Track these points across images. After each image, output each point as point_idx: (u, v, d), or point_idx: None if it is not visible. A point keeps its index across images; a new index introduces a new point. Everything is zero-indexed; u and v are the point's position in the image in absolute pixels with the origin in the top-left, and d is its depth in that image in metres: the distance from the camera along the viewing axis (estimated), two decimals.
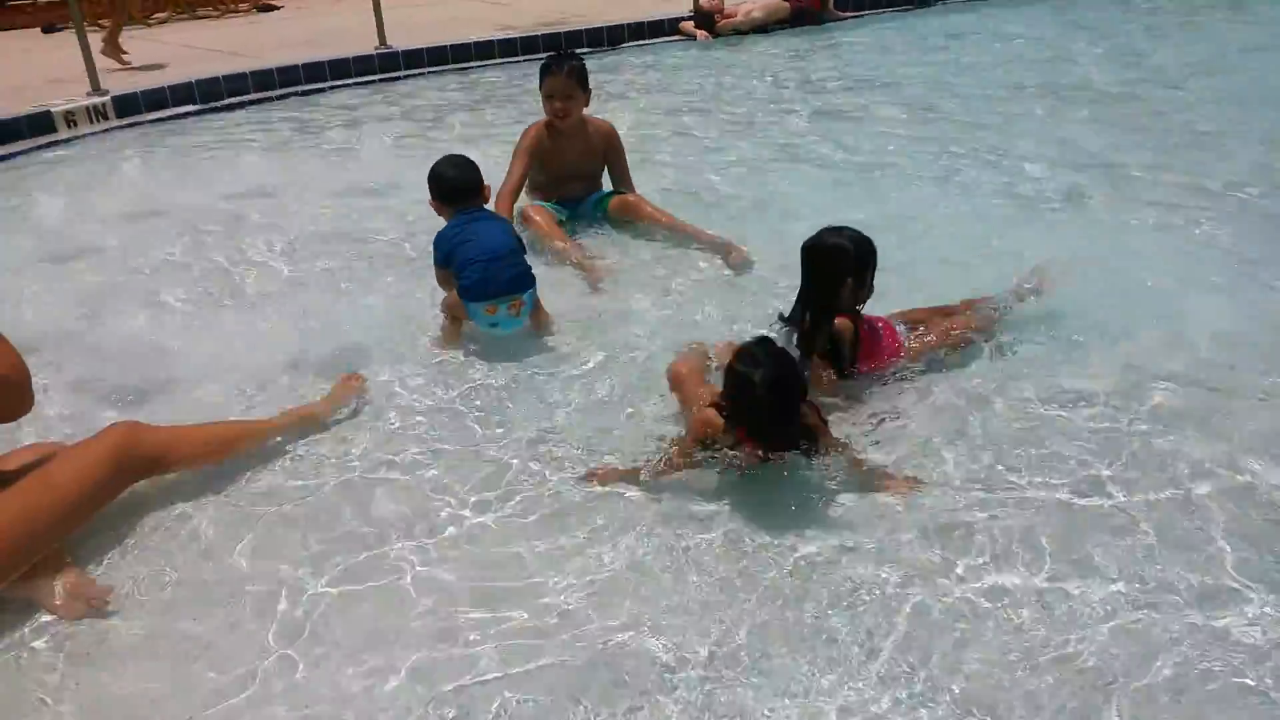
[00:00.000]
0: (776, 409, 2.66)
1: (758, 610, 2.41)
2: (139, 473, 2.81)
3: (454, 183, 3.84)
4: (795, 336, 3.27)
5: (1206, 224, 4.67)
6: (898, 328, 3.41)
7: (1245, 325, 3.66)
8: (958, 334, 3.44)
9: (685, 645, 2.31)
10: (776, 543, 2.63)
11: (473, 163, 3.91)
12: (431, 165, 3.90)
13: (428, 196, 3.89)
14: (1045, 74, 7.83)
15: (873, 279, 3.26)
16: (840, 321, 3.19)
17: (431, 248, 3.84)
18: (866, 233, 3.25)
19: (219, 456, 3.00)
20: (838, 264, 3.19)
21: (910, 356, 3.36)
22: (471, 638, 2.37)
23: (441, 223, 3.87)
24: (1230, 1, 10.50)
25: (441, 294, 3.89)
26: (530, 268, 3.81)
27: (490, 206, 4.01)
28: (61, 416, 3.36)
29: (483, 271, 3.65)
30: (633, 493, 2.85)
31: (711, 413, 2.79)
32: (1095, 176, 5.39)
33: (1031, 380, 3.33)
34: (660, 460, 2.87)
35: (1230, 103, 6.78)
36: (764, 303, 3.89)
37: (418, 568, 2.61)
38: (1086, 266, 3.95)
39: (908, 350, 3.36)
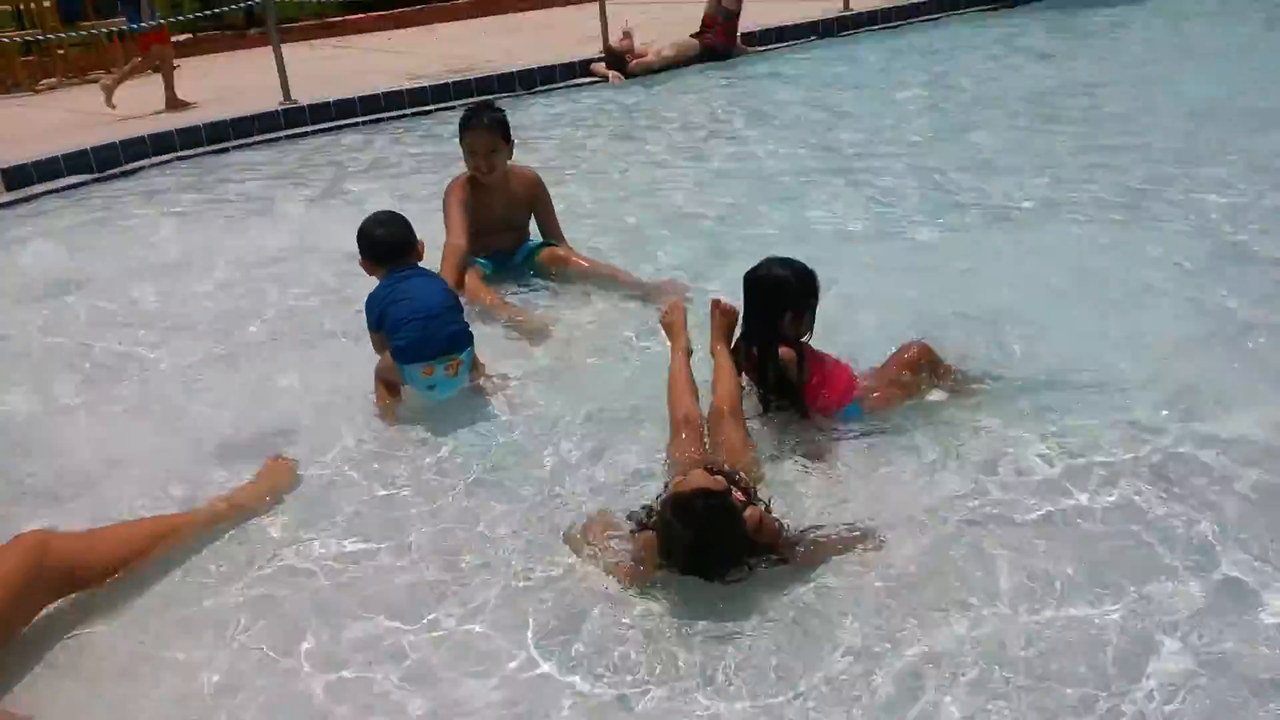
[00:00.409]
0: (704, 566, 2.48)
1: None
2: (55, 586, 2.55)
3: (384, 241, 3.67)
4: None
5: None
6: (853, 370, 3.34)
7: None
8: (909, 377, 3.32)
9: None
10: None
11: (403, 219, 3.75)
12: (360, 223, 3.73)
13: (347, 257, 3.73)
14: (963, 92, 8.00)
15: (813, 313, 3.21)
16: (784, 350, 3.14)
17: (364, 312, 3.65)
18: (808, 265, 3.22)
19: (139, 559, 2.74)
20: (779, 294, 3.16)
21: (867, 395, 3.27)
22: None
23: (372, 284, 3.69)
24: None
25: (375, 361, 3.69)
26: (468, 325, 3.66)
27: (425, 264, 3.83)
28: None
29: (419, 331, 3.48)
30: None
31: (647, 556, 2.56)
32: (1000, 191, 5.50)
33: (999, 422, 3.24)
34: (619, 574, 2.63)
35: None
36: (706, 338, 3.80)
37: (365, 672, 2.41)
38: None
39: (862, 388, 3.28)
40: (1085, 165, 5.91)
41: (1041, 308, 4.05)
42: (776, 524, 2.59)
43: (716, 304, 3.33)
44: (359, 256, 3.73)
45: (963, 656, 2.29)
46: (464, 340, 3.59)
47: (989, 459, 3.04)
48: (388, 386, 3.62)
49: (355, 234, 3.74)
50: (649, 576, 2.56)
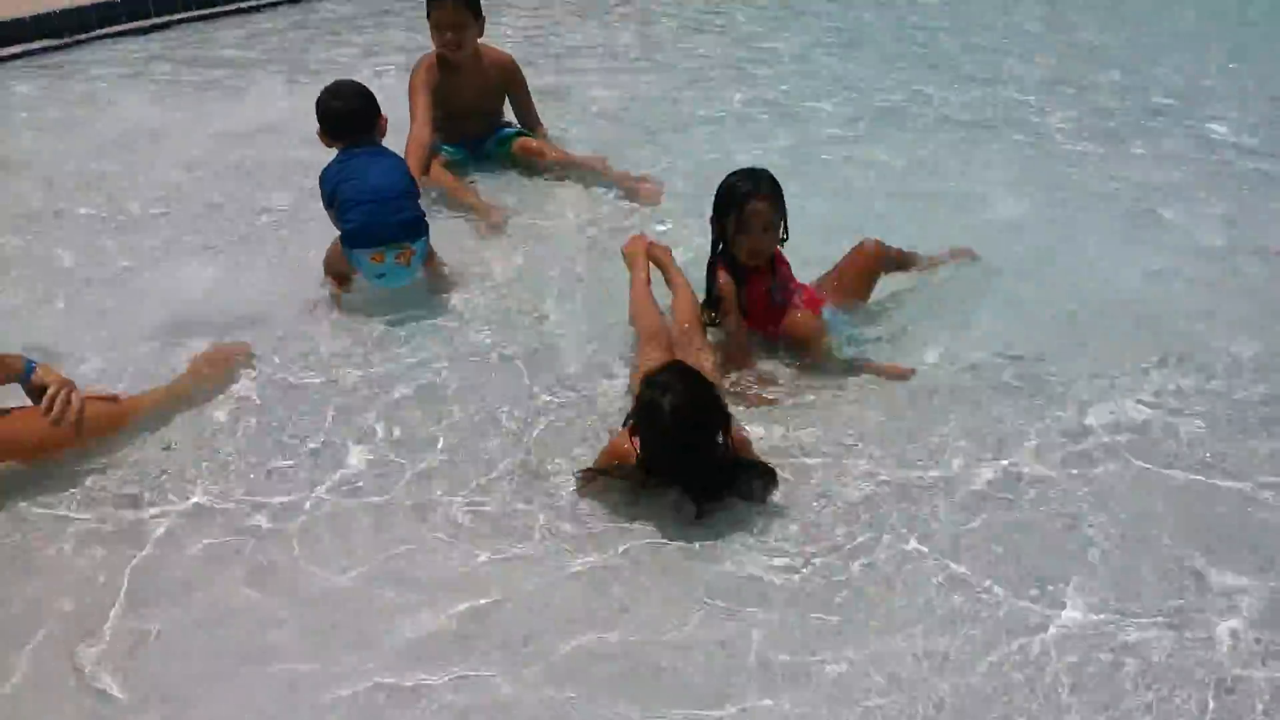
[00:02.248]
0: (680, 440, 2.40)
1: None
2: None
3: (340, 113, 3.47)
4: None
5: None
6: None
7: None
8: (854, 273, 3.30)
9: None
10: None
11: (366, 91, 3.55)
12: (320, 92, 3.53)
13: (311, 137, 3.55)
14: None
15: (760, 224, 2.98)
16: (723, 279, 3.05)
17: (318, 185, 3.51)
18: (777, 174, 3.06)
19: (71, 443, 2.69)
20: (719, 201, 3.06)
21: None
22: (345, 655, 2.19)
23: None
24: None
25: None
26: (424, 214, 3.51)
27: (389, 146, 3.66)
28: None
29: (368, 215, 3.33)
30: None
31: (623, 445, 2.52)
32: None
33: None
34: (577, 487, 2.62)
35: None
36: (681, 239, 3.72)
37: (289, 556, 2.43)
38: None
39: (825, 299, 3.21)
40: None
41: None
42: (744, 433, 2.57)
43: (648, 246, 3.33)
44: (317, 128, 3.55)
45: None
46: (418, 229, 3.44)
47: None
48: (337, 277, 3.51)
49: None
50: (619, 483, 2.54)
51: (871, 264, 3.30)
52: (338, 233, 3.46)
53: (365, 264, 3.39)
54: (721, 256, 3.09)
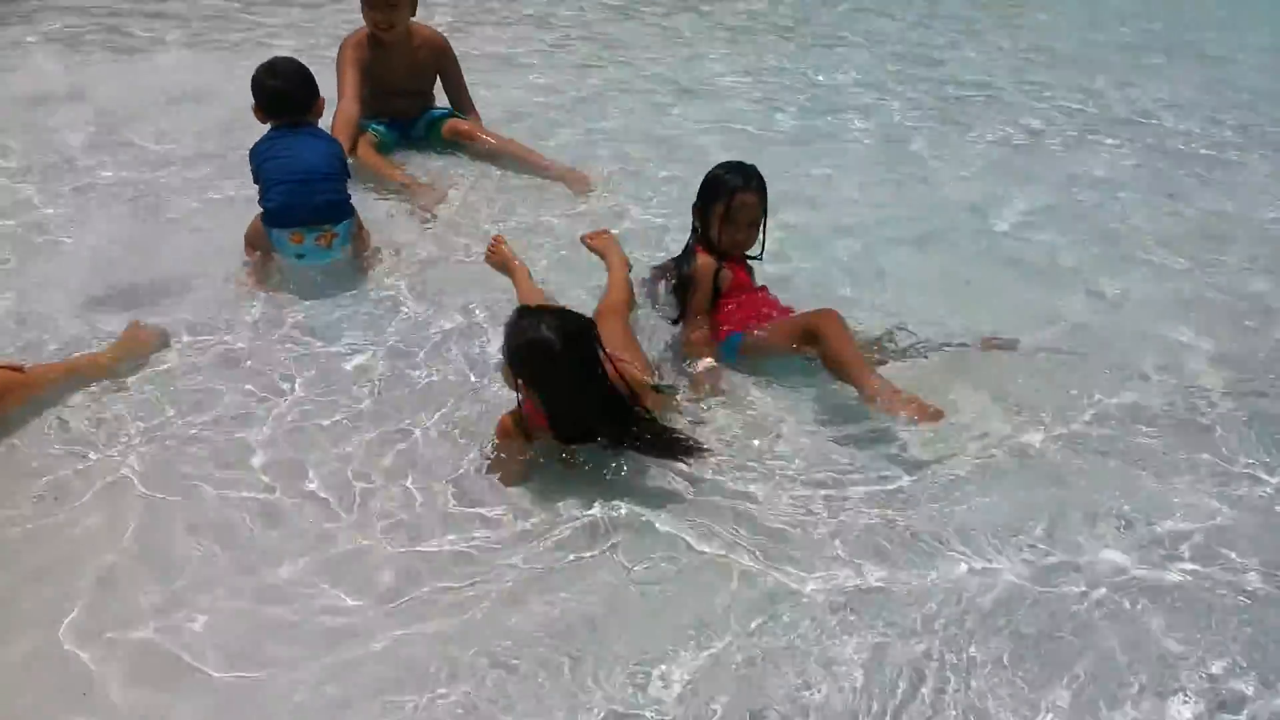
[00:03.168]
0: (573, 358, 2.38)
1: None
2: None
3: (277, 92, 3.40)
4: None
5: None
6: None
7: None
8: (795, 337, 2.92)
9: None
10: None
11: (305, 71, 3.48)
12: (257, 69, 3.45)
13: (238, 106, 3.48)
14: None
15: (746, 219, 3.01)
16: (702, 259, 3.04)
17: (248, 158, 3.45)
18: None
19: None
20: (704, 190, 3.07)
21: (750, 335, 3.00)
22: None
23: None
24: None
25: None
26: (349, 196, 3.46)
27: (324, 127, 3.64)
28: None
29: (288, 195, 3.29)
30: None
31: (506, 420, 2.55)
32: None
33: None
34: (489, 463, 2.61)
35: None
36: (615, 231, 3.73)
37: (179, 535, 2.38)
38: None
39: (752, 328, 3.02)
40: None
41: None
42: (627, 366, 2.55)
43: (583, 239, 3.46)
44: (251, 104, 3.49)
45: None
46: (341, 211, 3.39)
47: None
48: (256, 251, 3.43)
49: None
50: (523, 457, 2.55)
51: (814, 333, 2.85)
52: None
53: (284, 244, 3.33)
54: (700, 241, 3.08)
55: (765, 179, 3.05)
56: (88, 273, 3.45)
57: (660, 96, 5.34)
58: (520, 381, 2.45)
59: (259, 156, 3.38)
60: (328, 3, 6.60)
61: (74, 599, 2.20)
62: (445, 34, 4.62)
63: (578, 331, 2.41)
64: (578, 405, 2.45)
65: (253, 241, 3.43)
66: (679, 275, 3.11)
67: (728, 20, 6.89)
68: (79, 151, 4.40)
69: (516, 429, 2.54)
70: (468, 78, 4.59)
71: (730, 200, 2.98)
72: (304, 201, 3.29)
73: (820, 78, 5.77)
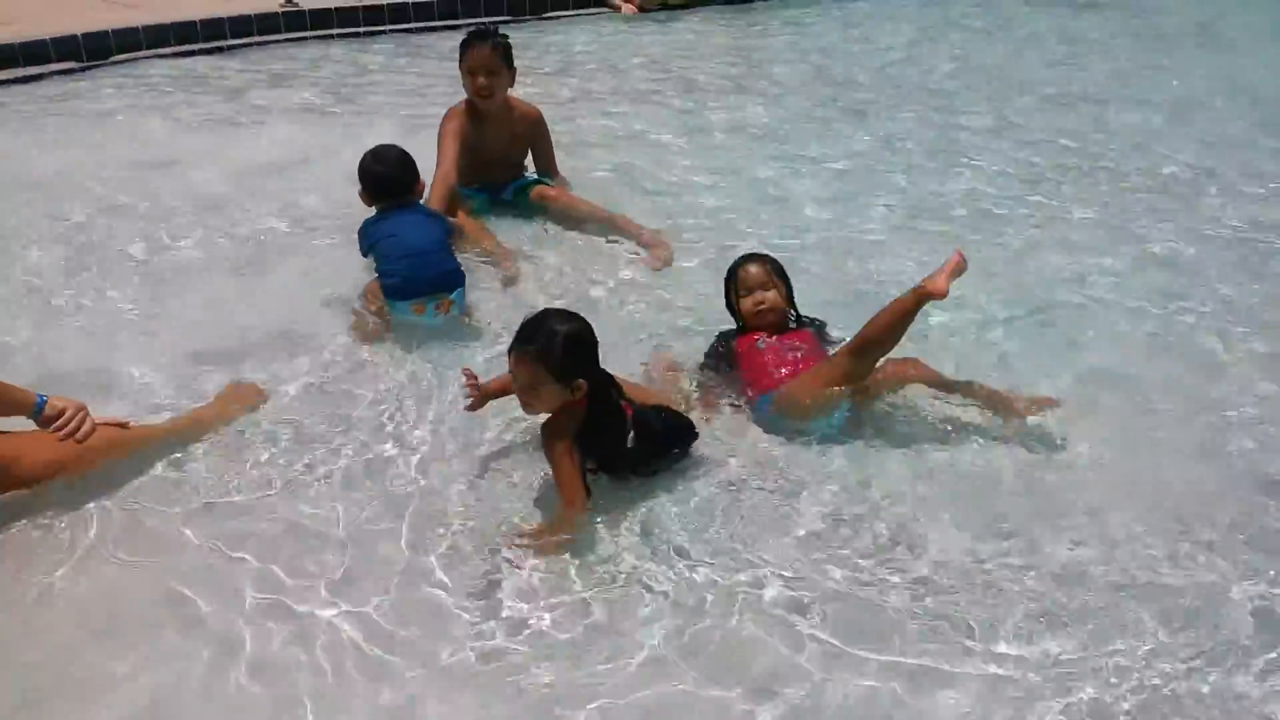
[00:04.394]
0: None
1: None
2: None
3: (381, 178, 3.66)
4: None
5: None
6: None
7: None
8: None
9: None
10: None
11: (407, 158, 3.73)
12: (362, 156, 3.69)
13: (341, 172, 3.72)
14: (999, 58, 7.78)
15: (755, 283, 3.23)
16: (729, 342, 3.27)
17: (356, 235, 3.68)
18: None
19: (81, 466, 2.69)
20: (727, 280, 3.34)
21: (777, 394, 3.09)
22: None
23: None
24: None
25: (362, 274, 3.68)
26: (459, 265, 3.64)
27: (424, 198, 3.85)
28: None
29: (409, 269, 3.48)
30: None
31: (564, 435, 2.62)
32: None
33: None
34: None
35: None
36: (689, 302, 3.80)
37: (298, 612, 2.39)
38: None
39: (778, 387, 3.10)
40: None
41: None
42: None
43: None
44: (359, 189, 3.71)
45: None
46: (456, 279, 3.58)
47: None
48: (374, 311, 3.58)
49: (356, 163, 3.70)
50: None
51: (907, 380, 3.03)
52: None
53: (407, 314, 3.53)
54: (737, 330, 3.31)
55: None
56: (192, 333, 3.57)
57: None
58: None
59: (371, 236, 3.61)
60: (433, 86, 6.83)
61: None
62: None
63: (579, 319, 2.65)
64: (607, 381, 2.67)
65: (370, 300, 3.60)
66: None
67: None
68: (188, 215, 4.59)
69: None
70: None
71: (735, 276, 3.28)
72: (423, 275, 3.49)
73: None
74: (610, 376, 2.72)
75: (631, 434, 2.67)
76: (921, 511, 2.72)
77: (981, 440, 2.99)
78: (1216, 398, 3.27)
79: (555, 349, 2.54)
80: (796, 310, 3.31)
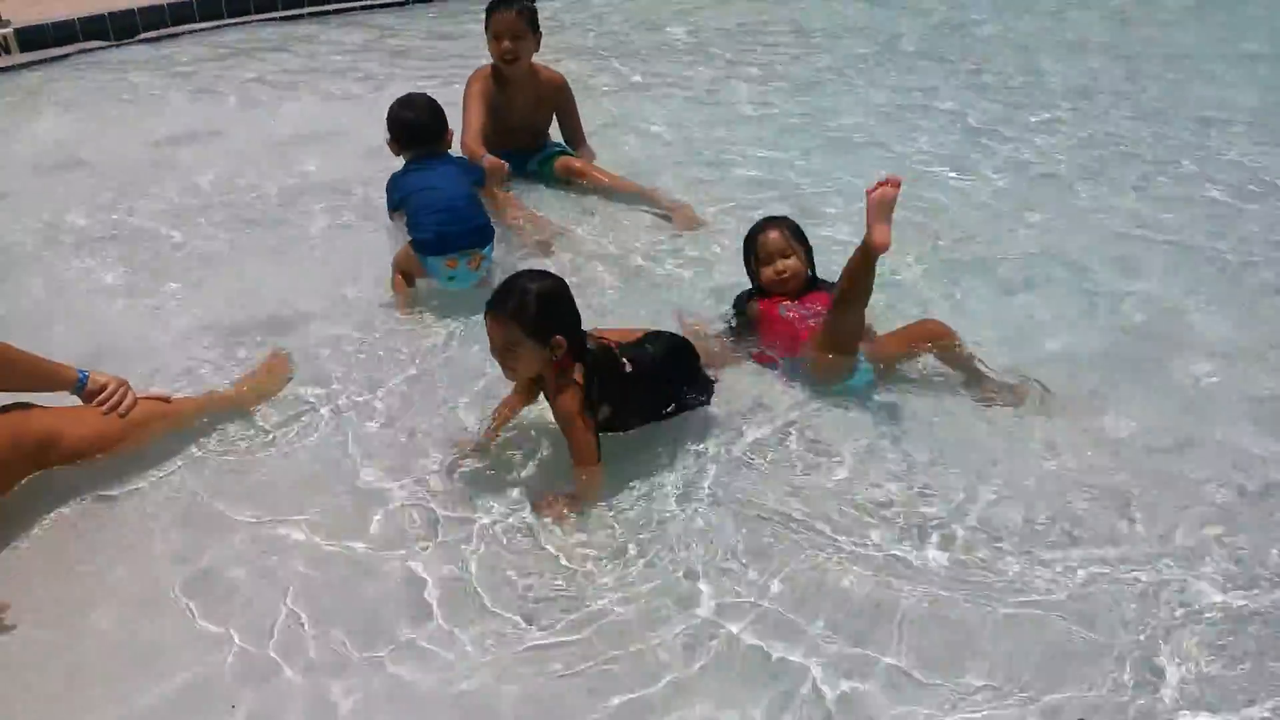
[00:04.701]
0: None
1: None
2: (32, 457, 2.54)
3: (410, 123, 3.65)
4: None
5: None
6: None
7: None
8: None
9: None
10: None
11: (436, 105, 3.73)
12: (391, 104, 3.69)
13: (366, 144, 3.70)
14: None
15: (759, 258, 3.20)
16: (750, 305, 3.24)
17: (384, 194, 3.65)
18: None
19: (124, 442, 2.72)
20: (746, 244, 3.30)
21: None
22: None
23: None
24: None
25: (394, 244, 3.66)
26: (490, 220, 3.63)
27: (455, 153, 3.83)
28: None
29: (442, 223, 3.47)
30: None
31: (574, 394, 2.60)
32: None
33: None
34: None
35: None
36: (710, 271, 3.78)
37: (324, 578, 2.42)
38: None
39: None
40: None
41: None
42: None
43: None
44: (387, 137, 3.69)
45: None
46: (488, 234, 3.57)
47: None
48: (404, 275, 3.59)
49: (384, 117, 3.71)
50: None
51: (924, 343, 3.06)
52: (405, 237, 3.58)
53: (439, 269, 3.51)
54: (756, 291, 3.27)
55: None
56: (223, 304, 3.60)
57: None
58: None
59: (401, 188, 3.58)
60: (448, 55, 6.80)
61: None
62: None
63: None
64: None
65: (402, 266, 3.59)
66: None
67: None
68: (218, 189, 4.63)
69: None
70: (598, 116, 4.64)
71: (755, 242, 3.23)
72: (456, 230, 3.48)
73: None
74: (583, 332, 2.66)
75: (629, 367, 2.65)
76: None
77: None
78: None
79: (530, 307, 2.51)
80: (814, 272, 3.26)
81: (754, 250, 3.24)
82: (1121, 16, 7.64)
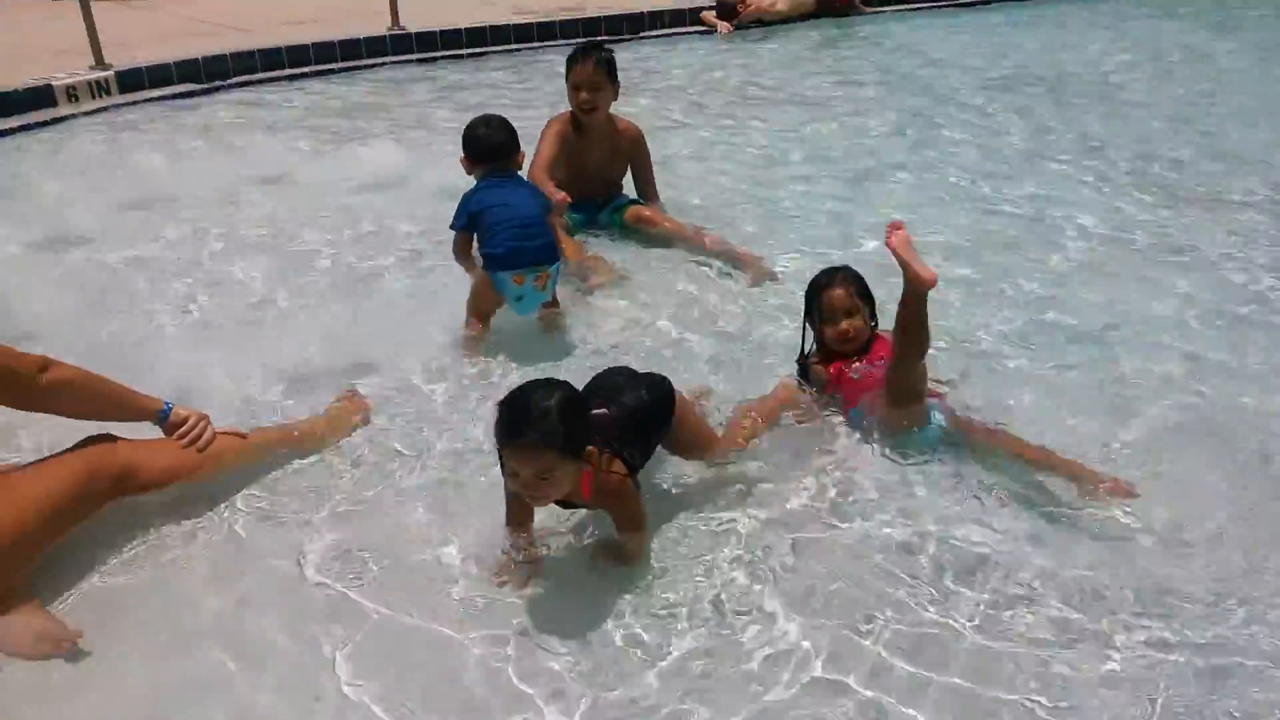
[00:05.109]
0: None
1: None
2: (108, 489, 2.59)
3: (485, 139, 3.73)
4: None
5: None
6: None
7: None
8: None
9: None
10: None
11: (508, 124, 3.79)
12: (468, 123, 3.79)
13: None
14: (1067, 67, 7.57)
15: (841, 310, 3.10)
16: (817, 371, 3.19)
17: (453, 215, 3.70)
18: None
19: (198, 474, 2.76)
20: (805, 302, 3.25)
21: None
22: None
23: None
24: None
25: (465, 290, 3.71)
26: (556, 240, 3.67)
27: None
28: (38, 422, 3.05)
29: (515, 239, 3.50)
30: None
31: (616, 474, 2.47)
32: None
33: None
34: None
35: None
36: (780, 320, 3.77)
37: (402, 617, 2.41)
38: None
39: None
40: None
41: None
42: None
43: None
44: (461, 155, 3.78)
45: None
46: (554, 253, 3.61)
47: None
48: (480, 316, 3.64)
49: (460, 143, 3.78)
50: None
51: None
52: (477, 270, 3.65)
53: (508, 285, 3.55)
54: (818, 352, 3.21)
55: None
56: (298, 351, 3.65)
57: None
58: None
59: (475, 203, 3.64)
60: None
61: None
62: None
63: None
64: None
65: (479, 301, 3.65)
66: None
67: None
68: (296, 233, 4.75)
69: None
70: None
71: (819, 299, 3.14)
72: (527, 245, 3.52)
73: None
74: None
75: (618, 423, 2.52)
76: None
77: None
78: None
79: (557, 428, 2.23)
80: (876, 325, 3.18)
81: (818, 306, 3.16)
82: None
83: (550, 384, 2.35)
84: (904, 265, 2.72)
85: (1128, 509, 2.69)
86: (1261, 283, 4.13)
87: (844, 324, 3.10)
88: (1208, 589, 2.45)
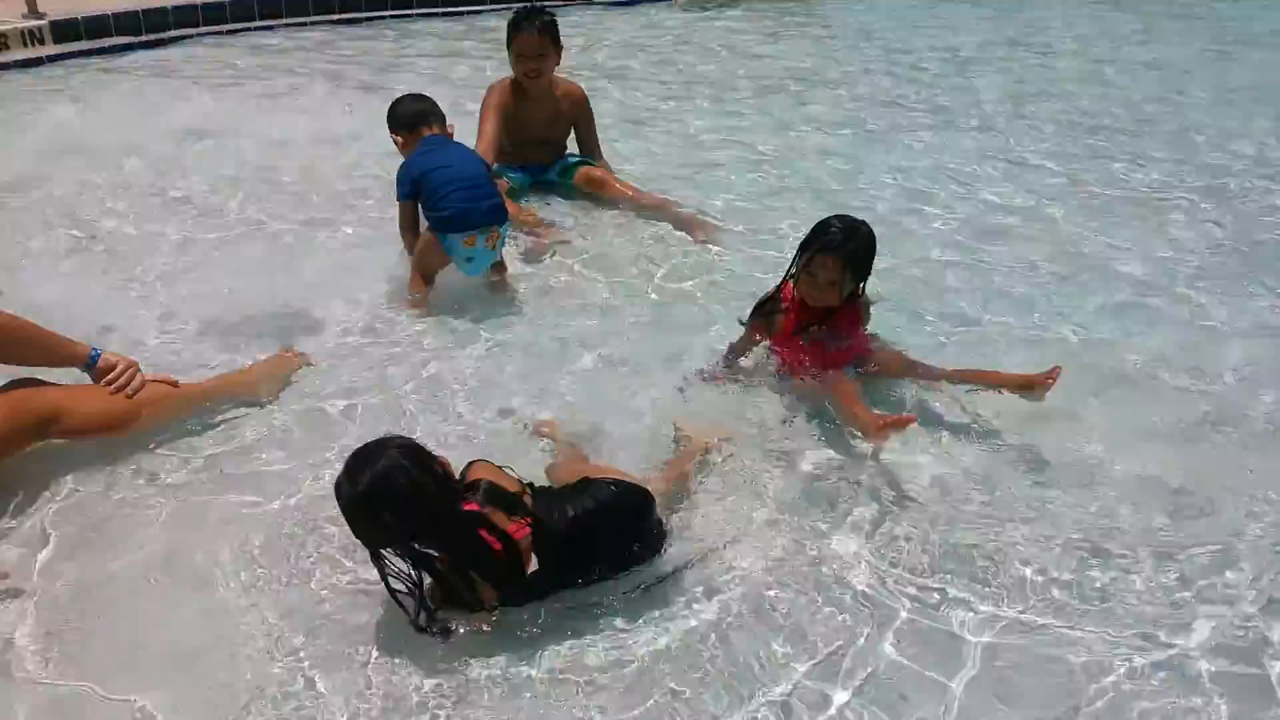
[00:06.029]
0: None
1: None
2: (32, 429, 2.55)
3: (413, 106, 3.72)
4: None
5: None
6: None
7: None
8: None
9: None
10: None
11: (431, 99, 3.80)
12: (390, 104, 3.78)
13: (378, 150, 3.71)
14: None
15: (823, 278, 2.96)
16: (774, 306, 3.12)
17: (395, 184, 3.64)
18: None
19: (124, 424, 2.73)
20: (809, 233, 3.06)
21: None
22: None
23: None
24: None
25: (399, 246, 3.68)
26: (503, 200, 3.64)
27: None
28: None
29: (464, 200, 3.47)
30: None
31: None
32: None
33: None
34: None
35: None
36: (728, 281, 3.81)
37: (330, 568, 2.41)
38: None
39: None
40: None
41: None
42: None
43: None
44: (391, 134, 3.73)
45: None
46: (503, 212, 3.59)
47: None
48: (424, 276, 3.60)
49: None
50: None
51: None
52: (423, 229, 3.60)
53: (458, 247, 3.51)
54: (791, 279, 3.08)
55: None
56: (232, 302, 3.60)
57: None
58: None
59: (417, 169, 3.55)
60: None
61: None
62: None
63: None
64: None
65: (425, 261, 3.59)
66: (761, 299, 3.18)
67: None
68: (230, 187, 4.67)
69: None
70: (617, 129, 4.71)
71: (813, 253, 2.96)
72: (477, 205, 3.49)
73: None
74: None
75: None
76: None
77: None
78: None
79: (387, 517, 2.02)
80: (855, 294, 3.05)
81: (810, 259, 2.96)
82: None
83: (381, 448, 2.06)
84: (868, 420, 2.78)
85: None
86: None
87: (825, 293, 2.97)
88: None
